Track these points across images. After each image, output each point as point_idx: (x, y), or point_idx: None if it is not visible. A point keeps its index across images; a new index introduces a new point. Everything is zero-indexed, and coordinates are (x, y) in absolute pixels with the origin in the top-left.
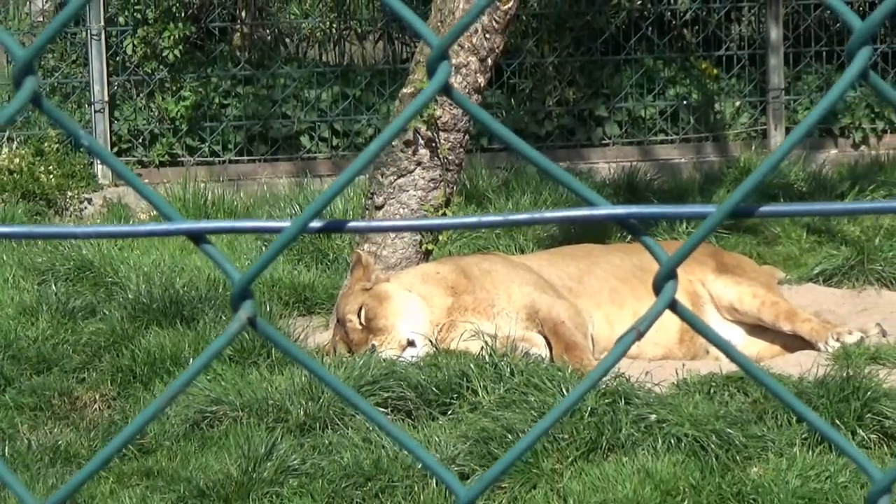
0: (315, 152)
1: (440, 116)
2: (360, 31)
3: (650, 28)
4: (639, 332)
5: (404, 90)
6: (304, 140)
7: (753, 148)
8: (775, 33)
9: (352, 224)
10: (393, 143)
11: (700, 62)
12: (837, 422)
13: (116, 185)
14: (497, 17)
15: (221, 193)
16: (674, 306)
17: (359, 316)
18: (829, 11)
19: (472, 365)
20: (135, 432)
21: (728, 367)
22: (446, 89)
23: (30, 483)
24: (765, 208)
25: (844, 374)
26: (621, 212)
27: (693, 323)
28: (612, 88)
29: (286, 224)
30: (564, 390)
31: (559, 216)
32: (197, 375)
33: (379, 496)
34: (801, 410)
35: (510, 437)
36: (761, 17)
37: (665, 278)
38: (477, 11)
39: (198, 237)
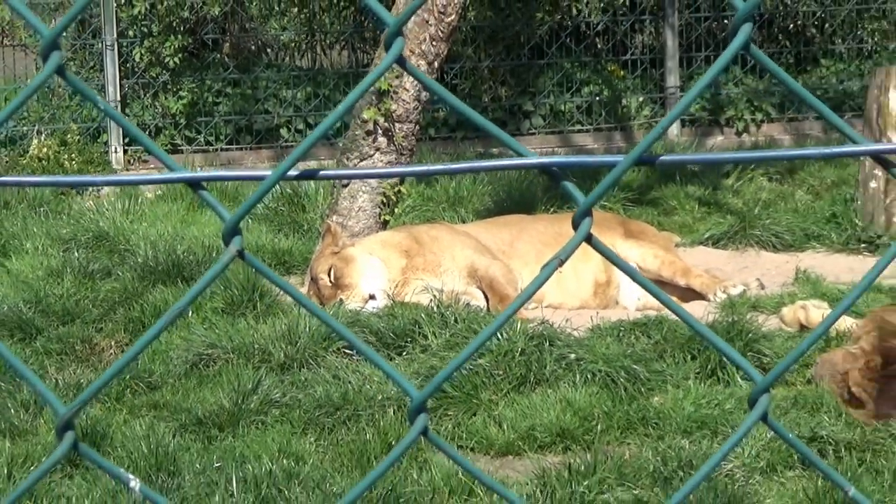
0: (292, 142)
1: (395, 110)
2: (327, 41)
3: (568, 37)
4: (560, 260)
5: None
6: (283, 132)
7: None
8: (671, 42)
9: (323, 172)
10: (356, 133)
11: (609, 65)
12: (725, 359)
13: (127, 170)
14: (442, 28)
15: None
16: (589, 239)
17: (329, 275)
18: (716, 22)
19: (422, 314)
20: (146, 343)
21: (634, 314)
22: (401, 60)
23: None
24: (663, 158)
25: (730, 320)
26: (545, 161)
27: (605, 253)
28: (537, 87)
29: (268, 173)
30: (498, 334)
31: (495, 165)
32: (196, 298)
33: (346, 423)
34: (693, 322)
35: (454, 373)
36: (660, 29)
37: (582, 215)
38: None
39: (195, 184)
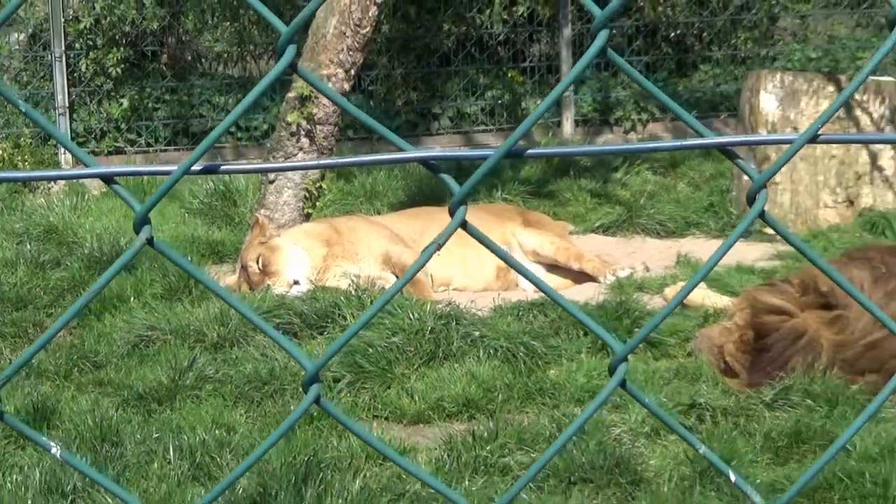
0: (224, 142)
1: (316, 113)
2: (256, 51)
3: (473, 47)
4: (438, 245)
5: (289, 94)
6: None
7: (550, 133)
8: (565, 50)
9: (225, 167)
10: (281, 134)
11: (510, 72)
12: (615, 335)
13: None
14: (358, 40)
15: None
16: (464, 225)
17: (257, 263)
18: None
19: (341, 297)
20: (63, 325)
21: (533, 296)
22: (293, 66)
23: (11, 392)
24: (531, 151)
25: (618, 300)
26: (424, 154)
27: (481, 239)
28: (445, 92)
29: (174, 168)
30: (409, 314)
31: (378, 159)
32: (108, 283)
33: (273, 396)
34: (571, 308)
35: (371, 350)
36: (555, 38)
37: (457, 204)
38: (315, 6)
39: (108, 179)
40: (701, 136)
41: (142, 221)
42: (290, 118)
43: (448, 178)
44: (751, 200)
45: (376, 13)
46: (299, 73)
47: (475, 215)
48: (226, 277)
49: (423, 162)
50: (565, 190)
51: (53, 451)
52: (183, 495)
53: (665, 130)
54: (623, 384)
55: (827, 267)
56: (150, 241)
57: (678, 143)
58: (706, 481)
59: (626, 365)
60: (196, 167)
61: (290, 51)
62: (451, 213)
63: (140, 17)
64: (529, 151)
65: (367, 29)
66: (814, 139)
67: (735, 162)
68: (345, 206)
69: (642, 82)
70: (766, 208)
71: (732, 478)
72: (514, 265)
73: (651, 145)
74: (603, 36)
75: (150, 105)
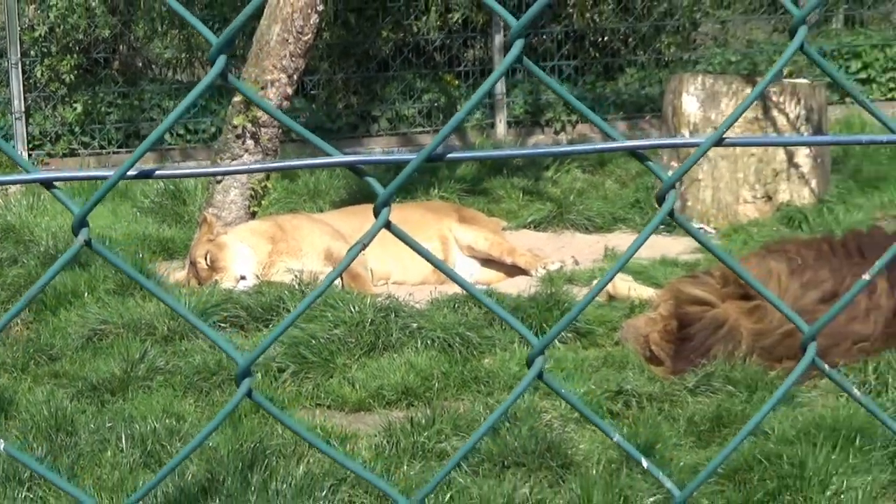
0: (173, 145)
1: (261, 117)
2: (204, 58)
3: (410, 52)
4: (363, 244)
5: (235, 99)
6: (166, 136)
7: (484, 134)
8: (497, 55)
9: (159, 172)
10: (228, 136)
11: (446, 76)
12: (545, 325)
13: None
14: (300, 46)
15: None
16: (388, 226)
17: (205, 259)
18: (535, 38)
19: (286, 292)
20: (6, 322)
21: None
22: (223, 75)
23: None
24: (451, 155)
25: (549, 292)
26: (351, 159)
27: (404, 239)
28: (384, 96)
29: (111, 173)
30: (351, 307)
31: (308, 164)
32: (47, 283)
33: (220, 386)
34: (487, 303)
35: (314, 341)
36: (488, 44)
37: (382, 206)
38: (245, 17)
39: (48, 184)
40: (613, 139)
41: (80, 224)
42: (235, 121)
43: (373, 181)
44: (660, 200)
45: (317, 21)
46: (230, 82)
47: (415, 212)
48: (175, 273)
49: (350, 167)
50: (499, 188)
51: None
52: (135, 482)
53: (593, 131)
54: (540, 376)
55: (731, 262)
56: (87, 243)
57: (590, 146)
58: (632, 464)
59: (543, 358)
60: (132, 172)
61: (220, 61)
62: (376, 215)
63: (92, 25)
64: (449, 156)
65: (309, 36)
66: (719, 143)
67: (645, 164)
68: (289, 204)
69: (556, 89)
70: (688, 204)
71: (645, 464)
72: (435, 263)
73: (564, 149)
74: (518, 45)
75: (102, 109)
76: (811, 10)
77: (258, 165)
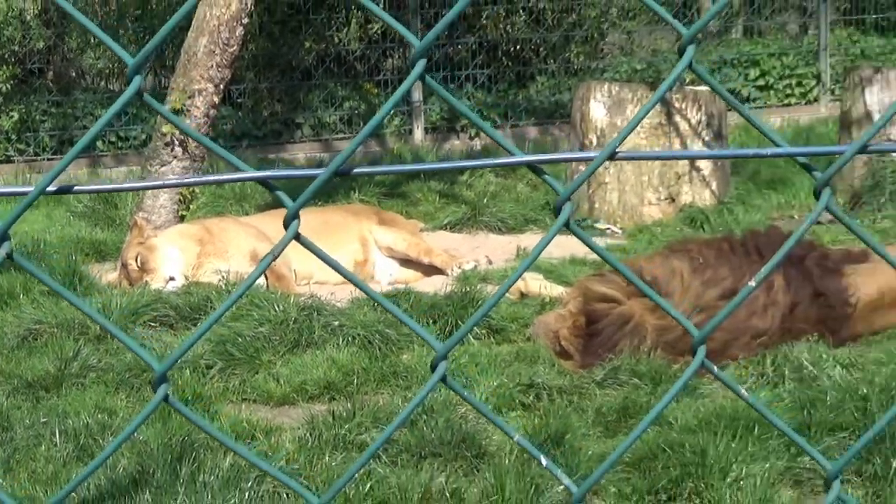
0: (105, 151)
1: (189, 124)
2: None
3: (331, 62)
4: (274, 255)
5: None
6: (98, 143)
7: (403, 140)
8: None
9: (77, 188)
10: (157, 144)
11: (366, 84)
12: (460, 321)
13: None
14: (226, 58)
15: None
16: (298, 237)
17: (136, 261)
18: (451, 48)
19: (213, 292)
20: None
21: (386, 288)
22: (139, 94)
23: None
24: (358, 169)
25: (464, 290)
26: (262, 174)
27: (311, 248)
28: (307, 103)
29: (30, 189)
30: (275, 306)
31: (218, 179)
32: None
33: (150, 383)
34: (391, 308)
35: (240, 339)
36: (406, 54)
37: (291, 218)
38: (159, 40)
39: None
40: (512, 154)
41: (1, 238)
42: (164, 129)
43: (283, 196)
44: (557, 211)
45: (243, 33)
46: (146, 100)
47: (336, 215)
48: (108, 275)
49: (261, 181)
50: (416, 191)
51: None
52: (68, 475)
53: (505, 136)
54: (444, 379)
55: (622, 268)
56: (9, 255)
57: (492, 161)
58: (543, 453)
59: (446, 363)
60: (51, 188)
61: (136, 81)
62: (286, 227)
63: (27, 37)
64: (355, 171)
65: (235, 48)
66: (612, 157)
67: (542, 177)
68: (216, 208)
69: (456, 105)
70: (596, 206)
71: (544, 462)
72: (341, 271)
73: (466, 164)
74: (421, 65)
75: (37, 118)
76: (697, 31)
77: (175, 180)
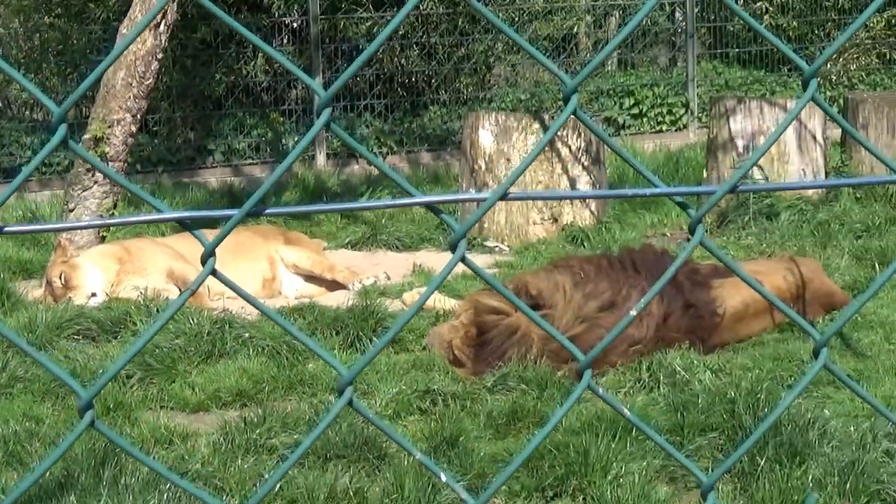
0: (31, 177)
1: (108, 152)
2: (58, 99)
3: (241, 93)
4: (192, 291)
5: (85, 136)
6: (24, 168)
7: (306, 165)
8: (316, 97)
9: (7, 228)
10: (79, 170)
11: (272, 114)
12: (361, 333)
13: None
14: (142, 89)
15: None
16: (214, 273)
17: (60, 279)
18: (350, 80)
19: (132, 307)
20: None
21: (293, 302)
22: (64, 142)
23: None
24: (270, 210)
25: (364, 304)
26: (178, 216)
27: (225, 282)
28: (218, 131)
29: None
30: (190, 319)
31: (138, 220)
32: None
33: (74, 391)
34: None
35: (157, 350)
36: (309, 86)
37: (208, 255)
38: (84, 89)
39: None
40: (410, 195)
41: None
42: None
43: (199, 234)
44: (453, 248)
45: (158, 66)
46: (71, 147)
47: (245, 235)
48: (34, 291)
49: (179, 222)
50: (319, 213)
51: None
52: None
53: (401, 161)
54: (350, 403)
55: (500, 288)
56: None
57: (392, 202)
58: (440, 455)
59: (352, 388)
60: None
61: (61, 130)
62: (203, 263)
63: None
64: (267, 211)
65: (151, 80)
66: (503, 197)
67: (440, 217)
68: (135, 229)
69: (360, 150)
70: (485, 226)
71: (443, 478)
72: (253, 303)
73: (366, 205)
74: (326, 113)
75: None
76: (580, 82)
77: (97, 222)
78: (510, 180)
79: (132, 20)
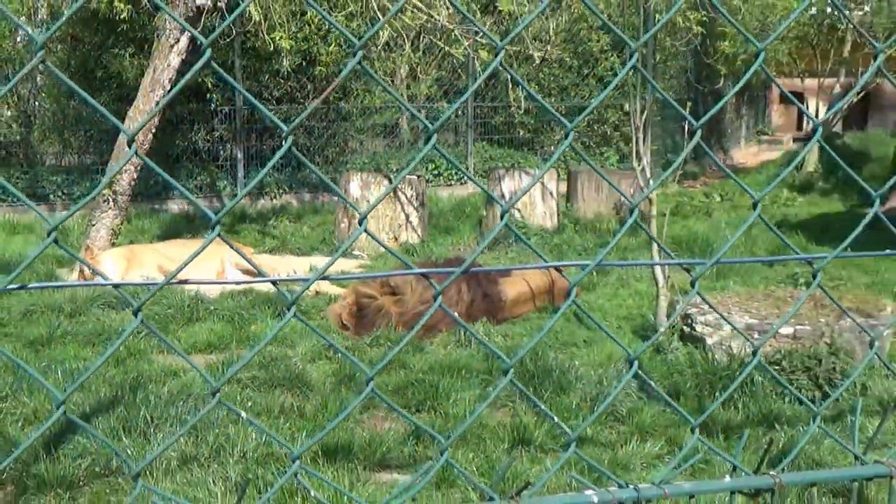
0: (56, 202)
1: (118, 189)
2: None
3: (191, 153)
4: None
5: (104, 179)
6: (51, 197)
7: (229, 198)
8: (238, 133)
9: (31, 285)
10: (100, 199)
11: (210, 166)
12: (284, 308)
13: None
14: (141, 151)
15: None
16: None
17: (89, 268)
18: (255, 115)
19: (138, 289)
20: None
21: (238, 287)
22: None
23: None
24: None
25: (284, 289)
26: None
27: (232, 246)
28: (175, 176)
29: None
30: (176, 297)
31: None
32: None
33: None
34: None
35: (157, 316)
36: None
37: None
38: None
39: None
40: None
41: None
42: (105, 192)
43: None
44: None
45: (150, 136)
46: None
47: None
48: (70, 276)
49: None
50: (245, 231)
51: None
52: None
53: (291, 198)
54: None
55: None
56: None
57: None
58: (344, 387)
59: (219, 395)
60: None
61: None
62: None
63: None
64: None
65: (146, 145)
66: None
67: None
68: (139, 238)
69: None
70: (354, 243)
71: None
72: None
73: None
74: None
75: None
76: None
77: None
78: (327, 265)
79: (138, 109)
